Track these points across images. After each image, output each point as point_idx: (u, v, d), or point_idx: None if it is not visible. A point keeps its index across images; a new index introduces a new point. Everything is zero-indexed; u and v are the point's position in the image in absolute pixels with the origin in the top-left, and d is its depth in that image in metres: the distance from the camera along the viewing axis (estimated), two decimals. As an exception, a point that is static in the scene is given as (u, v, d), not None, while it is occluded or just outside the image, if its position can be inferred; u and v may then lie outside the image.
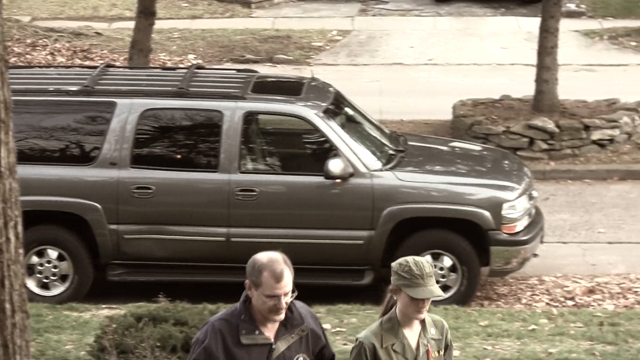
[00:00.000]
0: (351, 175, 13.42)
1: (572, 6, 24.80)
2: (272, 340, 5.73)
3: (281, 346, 5.73)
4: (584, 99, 18.74)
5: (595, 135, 17.95)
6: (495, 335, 12.82)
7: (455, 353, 10.22)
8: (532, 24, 21.60)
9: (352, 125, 14.22)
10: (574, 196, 17.00)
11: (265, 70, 19.18)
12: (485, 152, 16.05)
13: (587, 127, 17.71)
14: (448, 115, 18.50)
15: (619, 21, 25.47)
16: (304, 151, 14.46)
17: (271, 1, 25.38)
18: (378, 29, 24.66)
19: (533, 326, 13.54)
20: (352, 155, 13.63)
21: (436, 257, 13.57)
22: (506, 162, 15.32)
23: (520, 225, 13.84)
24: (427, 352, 5.87)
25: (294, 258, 13.04)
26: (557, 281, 14.79)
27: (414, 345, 5.86)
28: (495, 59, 23.00)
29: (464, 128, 17.85)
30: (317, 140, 14.04)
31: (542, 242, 14.60)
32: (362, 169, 13.57)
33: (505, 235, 13.66)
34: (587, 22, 25.53)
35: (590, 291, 13.91)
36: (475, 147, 16.46)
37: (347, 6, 25.80)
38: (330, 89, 14.71)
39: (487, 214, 13.57)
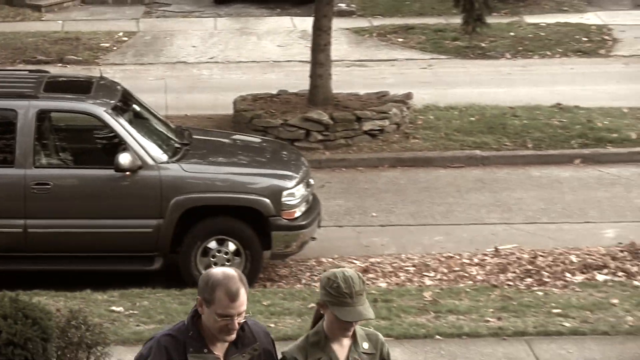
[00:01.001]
0: (139, 167, 13.59)
1: (343, 6, 25.30)
2: (222, 358, 5.52)
3: None
4: (356, 92, 19.20)
5: (367, 126, 18.29)
6: (277, 313, 13.06)
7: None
8: (306, 23, 21.99)
9: (139, 120, 14.53)
10: (348, 183, 17.35)
11: (56, 70, 19.35)
12: (264, 144, 16.30)
13: (359, 119, 18.11)
14: (229, 110, 18.75)
15: (387, 19, 26.05)
16: (95, 146, 14.60)
17: (60, 5, 25.23)
18: (162, 30, 25.01)
19: (312, 304, 13.83)
20: (140, 149, 13.79)
21: (221, 242, 13.91)
22: (284, 152, 15.70)
23: (298, 212, 14.16)
24: None
25: (87, 247, 13.67)
26: (334, 262, 14.89)
27: (343, 359, 5.68)
28: (272, 56, 23.42)
29: (245, 122, 18.10)
30: (107, 136, 14.22)
31: (319, 226, 14.87)
32: (150, 162, 13.75)
33: (285, 220, 13.94)
34: (357, 21, 26.01)
35: (365, 270, 14.08)
36: (256, 139, 16.64)
37: (132, 9, 25.98)
38: (118, 87, 15.01)
39: (267, 201, 13.83)
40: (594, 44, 24.18)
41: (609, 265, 13.72)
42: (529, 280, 13.58)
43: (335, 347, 5.58)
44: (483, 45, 24.11)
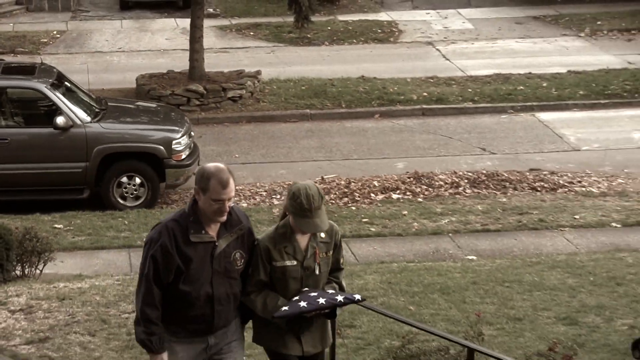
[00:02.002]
0: (71, 126, 13.91)
1: (211, 10, 25.09)
2: (215, 238, 5.20)
3: (222, 243, 5.20)
4: (221, 71, 19.07)
5: (230, 94, 18.06)
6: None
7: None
8: (185, 22, 21.64)
9: (70, 93, 14.68)
10: (217, 135, 17.28)
11: (10, 59, 19.37)
12: (158, 108, 16.31)
13: (224, 89, 18.10)
14: (133, 85, 18.71)
15: (242, 19, 25.69)
16: (39, 112, 14.72)
17: (11, 12, 25.45)
18: (84, 29, 24.86)
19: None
20: (71, 113, 14.13)
21: (130, 177, 13.96)
22: (173, 114, 15.68)
23: (184, 155, 14.25)
24: (315, 253, 5.27)
25: (36, 183, 13.87)
26: None
27: (303, 247, 5.26)
28: (162, 46, 23.19)
29: (144, 93, 17.99)
30: (47, 104, 14.39)
31: (198, 164, 14.69)
32: (78, 122, 14.03)
33: (174, 161, 14.04)
34: (221, 21, 25.68)
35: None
36: (152, 105, 16.73)
37: (63, 14, 25.85)
38: (54, 70, 15.15)
39: (161, 148, 13.92)
40: (386, 34, 23.87)
41: (400, 187, 13.90)
42: (345, 199, 13.68)
43: (299, 237, 5.23)
44: (309, 36, 23.21)
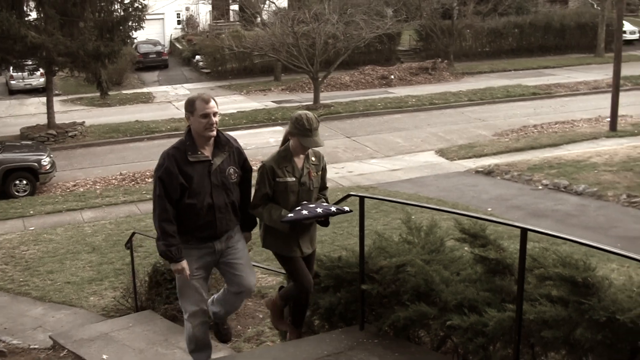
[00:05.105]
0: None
1: (57, 91, 29.39)
2: (210, 157, 5.10)
3: (217, 161, 5.11)
4: (64, 122, 23.92)
5: (70, 134, 23.40)
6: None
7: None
8: (44, 99, 25.62)
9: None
10: (64, 156, 21.80)
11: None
12: (33, 143, 19.63)
13: (66, 131, 23.00)
14: (18, 133, 23.15)
15: (74, 95, 33.42)
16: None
17: None
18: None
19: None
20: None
21: (20, 180, 17.51)
22: (40, 146, 19.08)
23: (48, 167, 17.80)
24: (309, 172, 5.31)
25: None
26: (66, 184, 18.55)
27: (300, 167, 5.30)
28: (33, 112, 28.21)
29: (25, 137, 22.55)
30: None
31: (55, 172, 18.58)
32: (-6, 153, 15.26)
33: (43, 171, 17.76)
34: (62, 97, 32.97)
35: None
36: (29, 142, 20.05)
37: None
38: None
39: (36, 164, 17.55)
40: (147, 98, 32.55)
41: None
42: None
43: (296, 159, 5.29)
44: (108, 102, 30.61)
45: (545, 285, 4.67)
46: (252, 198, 5.33)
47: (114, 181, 19.51)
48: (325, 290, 5.72)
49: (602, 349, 4.30)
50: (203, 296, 5.33)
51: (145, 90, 35.09)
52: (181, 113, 28.41)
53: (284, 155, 5.33)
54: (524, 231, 4.42)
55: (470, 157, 20.46)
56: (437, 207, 6.23)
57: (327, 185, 5.65)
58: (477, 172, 18.66)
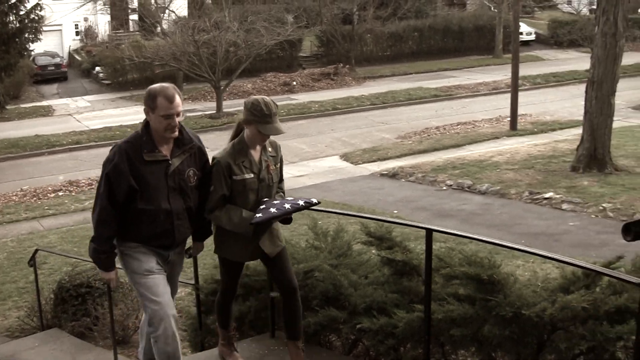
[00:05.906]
0: None
1: None
2: (169, 157, 4.63)
3: (176, 162, 4.65)
4: None
5: None
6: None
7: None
8: None
9: None
10: None
11: None
12: None
13: None
14: None
15: None
16: None
17: None
18: None
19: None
20: None
21: None
22: None
23: None
24: (267, 166, 4.89)
25: None
26: None
27: (257, 161, 4.84)
28: None
29: None
30: None
31: None
32: None
33: None
34: None
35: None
36: None
37: None
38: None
39: None
40: (47, 112, 33.13)
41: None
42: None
43: (252, 152, 4.83)
44: (6, 116, 30.94)
45: (452, 285, 4.80)
46: (207, 201, 4.83)
47: (14, 198, 19.59)
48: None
49: (509, 344, 4.40)
50: (168, 290, 4.72)
51: (44, 103, 35.32)
52: (82, 126, 29.33)
53: (240, 149, 4.83)
54: (429, 232, 4.51)
55: (374, 161, 21.00)
56: (343, 212, 6.09)
57: (283, 178, 5.21)
58: (382, 175, 19.13)
